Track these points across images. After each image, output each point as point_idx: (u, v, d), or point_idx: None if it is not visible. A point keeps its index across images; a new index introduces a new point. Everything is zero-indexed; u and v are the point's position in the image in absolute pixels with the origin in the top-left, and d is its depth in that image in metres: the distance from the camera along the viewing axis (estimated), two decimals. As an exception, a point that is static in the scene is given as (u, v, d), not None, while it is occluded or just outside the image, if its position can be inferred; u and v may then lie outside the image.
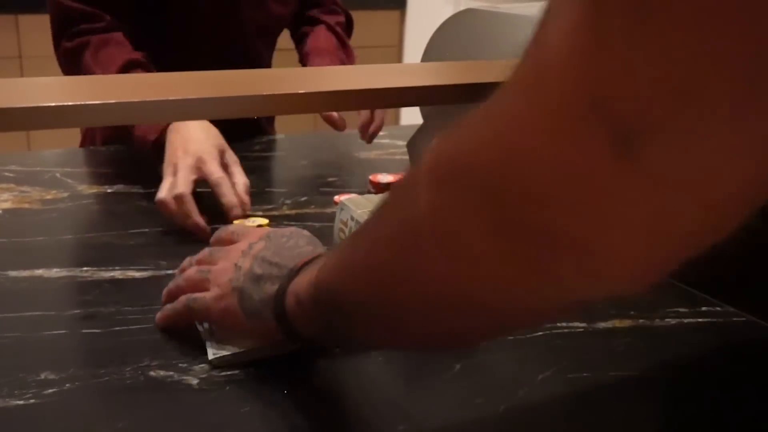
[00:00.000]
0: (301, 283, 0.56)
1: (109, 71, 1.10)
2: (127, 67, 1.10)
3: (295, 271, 0.59)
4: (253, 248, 0.65)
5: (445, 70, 0.80)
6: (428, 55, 1.05)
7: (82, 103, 0.54)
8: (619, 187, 0.30)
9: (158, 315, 0.70)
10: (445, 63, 0.85)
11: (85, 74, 1.12)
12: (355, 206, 0.79)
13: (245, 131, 1.28)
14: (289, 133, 1.37)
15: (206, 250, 0.70)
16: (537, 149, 0.31)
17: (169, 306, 0.69)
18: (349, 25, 1.48)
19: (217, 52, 1.26)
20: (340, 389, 0.63)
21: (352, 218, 0.78)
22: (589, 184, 0.30)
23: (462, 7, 1.03)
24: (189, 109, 0.57)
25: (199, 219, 0.89)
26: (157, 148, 1.02)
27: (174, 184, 0.92)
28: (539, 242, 0.33)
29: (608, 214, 0.31)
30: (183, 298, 0.67)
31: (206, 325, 0.67)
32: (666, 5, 0.26)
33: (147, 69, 1.12)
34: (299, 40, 1.44)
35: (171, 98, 0.56)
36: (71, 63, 1.17)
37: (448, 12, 1.04)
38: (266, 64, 1.36)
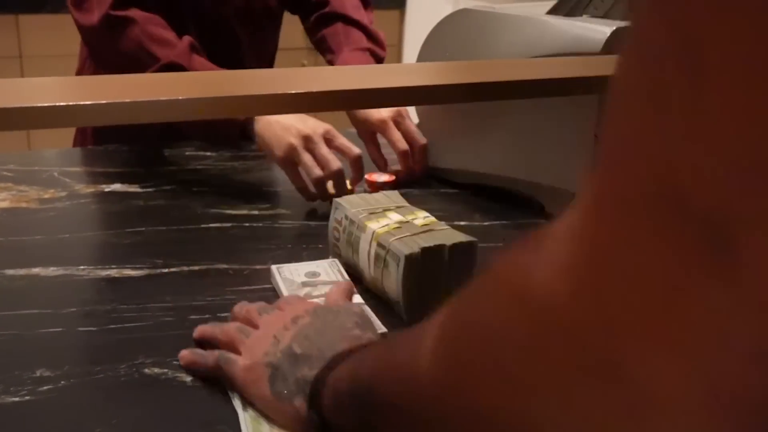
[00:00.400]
0: (341, 374, 0.53)
1: (170, 51, 1.11)
2: (191, 50, 1.12)
3: (337, 360, 0.55)
4: (297, 323, 0.62)
5: (440, 70, 0.81)
6: (424, 55, 1.06)
7: (82, 103, 0.54)
8: (716, 297, 0.23)
9: (186, 354, 0.66)
10: (441, 63, 0.85)
11: (135, 49, 1.12)
12: (350, 205, 0.80)
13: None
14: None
15: (257, 306, 0.67)
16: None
17: (200, 352, 0.65)
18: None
19: (199, 34, 1.25)
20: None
21: (346, 217, 0.79)
22: (680, 297, 0.24)
23: (461, 7, 1.04)
24: (187, 109, 0.57)
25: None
26: (244, 128, 1.07)
27: (324, 159, 0.99)
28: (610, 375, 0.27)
29: (696, 334, 0.24)
30: (216, 354, 0.63)
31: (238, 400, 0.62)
32: (724, 59, 0.22)
33: (200, 53, 1.13)
34: (324, 38, 1.37)
35: (171, 98, 0.56)
36: (116, 33, 1.13)
37: (447, 11, 1.05)
38: (247, 52, 1.34)
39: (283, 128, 1.02)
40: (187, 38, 1.14)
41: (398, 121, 1.11)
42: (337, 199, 0.82)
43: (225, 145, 1.16)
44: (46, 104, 0.54)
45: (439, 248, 0.73)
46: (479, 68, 0.69)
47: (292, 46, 3.40)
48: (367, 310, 0.72)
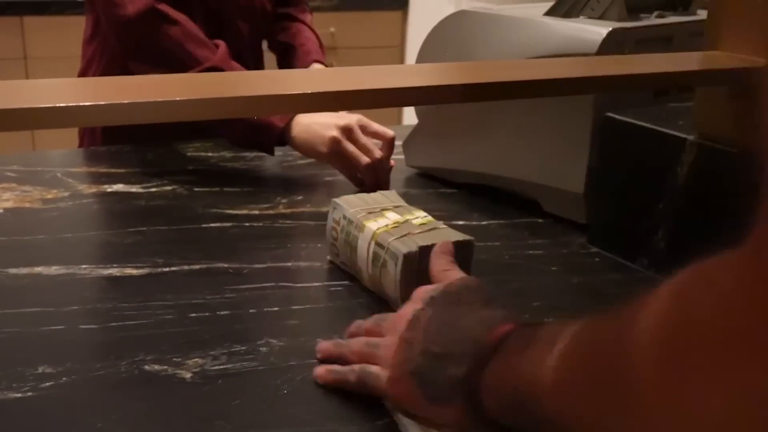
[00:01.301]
0: (498, 375, 0.51)
1: (211, 54, 1.14)
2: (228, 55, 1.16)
3: (484, 358, 0.52)
4: (420, 319, 0.59)
5: (439, 70, 0.82)
6: (423, 56, 1.06)
7: (86, 104, 0.55)
8: None
9: (323, 374, 0.64)
10: (439, 64, 0.86)
11: (175, 48, 1.14)
12: (348, 205, 0.81)
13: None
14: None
15: (373, 319, 0.66)
16: None
17: (338, 370, 0.64)
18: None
19: (202, 23, 1.26)
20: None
21: (345, 217, 0.80)
22: None
23: (463, 8, 1.05)
24: (193, 109, 0.58)
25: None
26: (282, 135, 1.11)
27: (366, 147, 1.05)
28: None
29: None
30: (357, 369, 0.62)
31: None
32: None
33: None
34: (277, 34, 1.47)
35: (177, 99, 0.57)
36: (157, 28, 1.14)
37: (449, 12, 1.06)
38: (246, 48, 1.36)
39: (322, 126, 1.07)
40: (222, 43, 1.18)
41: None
42: (336, 199, 0.82)
43: (259, 150, 1.17)
44: (50, 105, 0.55)
45: None
46: (477, 69, 0.70)
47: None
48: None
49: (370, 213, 0.79)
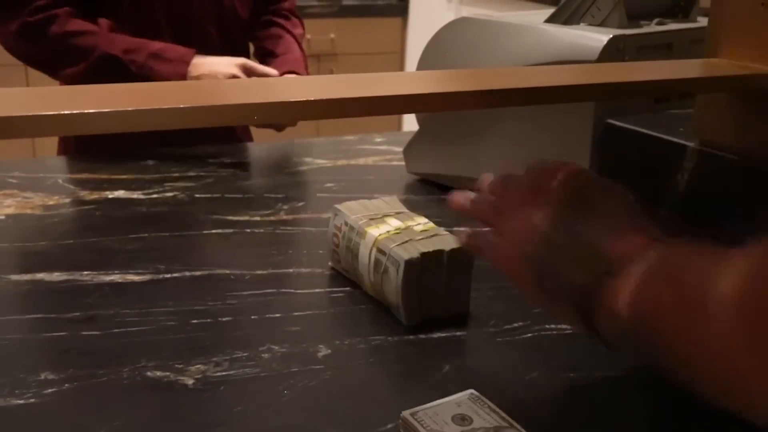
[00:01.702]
0: (619, 299, 0.49)
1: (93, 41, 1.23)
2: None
3: (610, 277, 0.51)
4: (552, 199, 0.56)
5: (440, 78, 0.82)
6: (423, 63, 1.06)
7: (86, 111, 0.55)
8: None
9: (459, 197, 0.65)
10: (440, 71, 0.86)
11: (56, 45, 1.24)
12: (350, 212, 0.81)
13: (220, 138, 1.34)
14: (290, 138, 1.39)
15: (504, 178, 0.65)
16: None
17: (472, 202, 0.63)
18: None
19: (171, 30, 1.31)
20: (332, 389, 0.65)
21: (346, 223, 0.80)
22: None
23: (463, 15, 1.05)
24: (186, 117, 0.58)
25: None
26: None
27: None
28: None
29: None
30: (480, 234, 0.61)
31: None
32: None
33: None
34: (263, 41, 1.50)
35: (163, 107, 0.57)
36: (35, 36, 1.23)
37: (449, 19, 1.06)
38: (219, 54, 1.38)
39: (222, 65, 1.26)
40: (103, 23, 1.27)
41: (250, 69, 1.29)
42: (337, 206, 0.83)
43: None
44: (47, 113, 0.55)
45: (438, 253, 0.74)
46: (478, 76, 0.70)
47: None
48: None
49: (371, 219, 0.79)
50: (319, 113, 0.57)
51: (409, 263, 0.72)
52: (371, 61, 3.50)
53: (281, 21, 1.50)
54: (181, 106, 0.49)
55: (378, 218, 0.79)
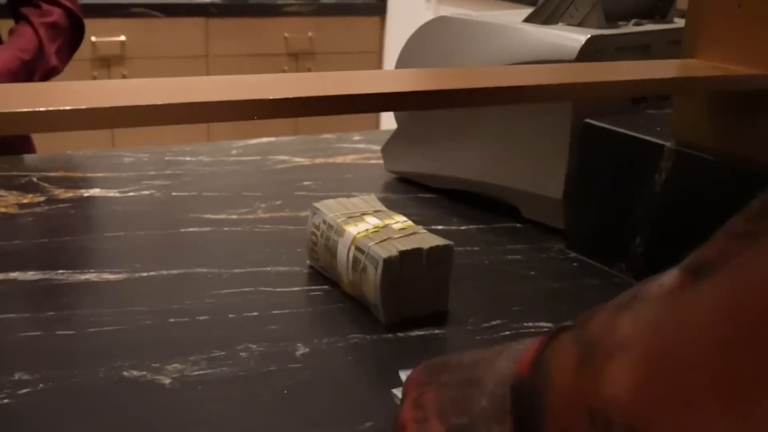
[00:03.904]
0: (560, 409, 0.37)
1: None
2: None
3: (527, 386, 0.40)
4: (425, 402, 0.46)
5: (418, 76, 0.82)
6: (402, 62, 1.07)
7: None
8: None
9: None
10: (419, 70, 0.86)
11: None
12: (328, 210, 0.81)
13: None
14: (268, 136, 1.38)
15: None
16: None
17: None
18: (73, 23, 1.48)
19: None
20: (311, 388, 0.65)
21: (324, 221, 0.80)
22: None
23: (441, 14, 1.05)
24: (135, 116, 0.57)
25: None
26: None
27: None
28: None
29: None
30: None
31: None
32: None
33: None
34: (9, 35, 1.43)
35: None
36: None
37: (427, 18, 1.06)
38: None
39: None
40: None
41: None
42: (315, 204, 0.82)
43: None
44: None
45: (417, 252, 0.74)
46: (456, 75, 0.70)
47: (273, 52, 3.40)
48: None
49: (350, 217, 0.79)
50: (293, 111, 0.57)
51: (388, 261, 0.72)
52: (349, 60, 3.50)
53: (28, 11, 1.42)
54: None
55: (356, 216, 0.79)
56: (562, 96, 0.79)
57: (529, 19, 1.01)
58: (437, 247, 0.74)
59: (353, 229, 0.77)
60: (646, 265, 0.84)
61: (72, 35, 1.47)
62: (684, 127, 0.82)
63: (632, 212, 0.85)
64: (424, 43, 1.04)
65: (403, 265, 0.72)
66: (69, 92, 0.49)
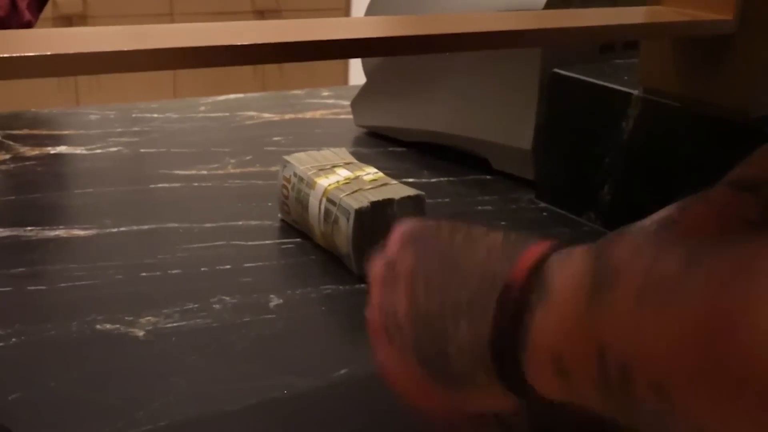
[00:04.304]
0: (554, 331, 0.33)
1: None
2: None
3: (518, 299, 0.34)
4: (399, 267, 0.41)
5: (384, 23, 0.82)
6: (372, 12, 1.06)
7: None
8: None
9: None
10: (385, 17, 0.86)
11: None
12: (299, 163, 0.81)
13: None
14: (236, 92, 1.37)
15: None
16: None
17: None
18: None
19: None
20: (284, 338, 0.65)
21: (295, 174, 0.80)
22: None
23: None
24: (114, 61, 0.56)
25: None
26: None
27: None
28: None
29: None
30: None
31: None
32: None
33: None
34: None
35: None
36: None
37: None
38: None
39: None
40: None
41: None
42: (286, 157, 0.82)
43: None
44: None
45: (388, 202, 0.74)
46: (423, 21, 0.70)
47: (239, 9, 3.36)
48: None
49: (320, 170, 0.79)
50: (257, 58, 0.56)
51: (359, 212, 0.72)
52: (316, 17, 3.47)
53: None
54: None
55: (327, 169, 0.79)
56: (528, 42, 0.79)
57: (497, -30, 1.00)
58: (408, 197, 0.75)
59: (324, 181, 0.77)
60: (614, 213, 0.85)
61: None
62: (650, 75, 0.83)
63: (601, 161, 0.86)
64: (393, -6, 1.03)
65: (375, 216, 0.73)
66: (33, 39, 0.49)
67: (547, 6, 0.89)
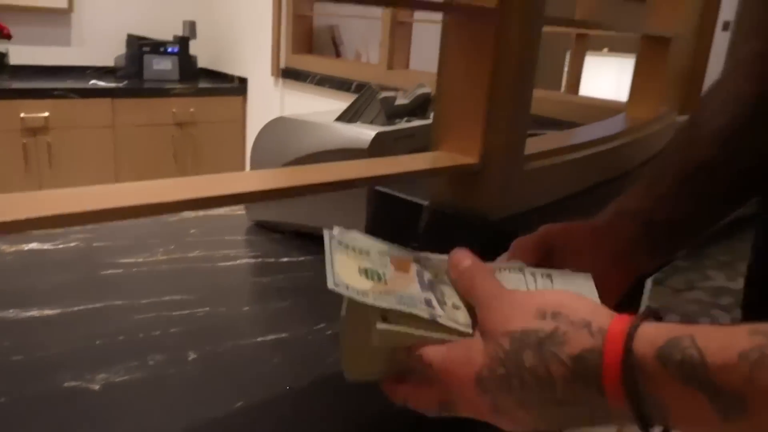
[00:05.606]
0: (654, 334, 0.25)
1: None
2: None
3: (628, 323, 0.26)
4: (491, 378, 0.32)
5: (263, 177, 0.84)
6: (254, 154, 1.09)
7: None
8: None
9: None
10: (263, 171, 0.88)
11: None
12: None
13: None
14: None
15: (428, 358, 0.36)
16: None
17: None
18: None
19: None
20: (199, 384, 0.67)
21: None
22: None
23: (285, 102, 1.08)
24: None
25: None
26: None
27: None
28: None
29: None
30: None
31: None
32: None
33: None
34: None
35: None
36: None
37: (274, 97, 1.09)
38: None
39: None
40: None
41: None
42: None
43: None
44: None
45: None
46: (291, 174, 0.71)
47: (164, 122, 3.29)
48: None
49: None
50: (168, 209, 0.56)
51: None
52: (221, 127, 3.46)
53: None
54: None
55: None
56: (360, 184, 0.85)
57: (339, 118, 1.08)
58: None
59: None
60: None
61: None
62: (435, 192, 0.91)
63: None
64: (267, 138, 1.08)
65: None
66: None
67: (371, 145, 0.96)
